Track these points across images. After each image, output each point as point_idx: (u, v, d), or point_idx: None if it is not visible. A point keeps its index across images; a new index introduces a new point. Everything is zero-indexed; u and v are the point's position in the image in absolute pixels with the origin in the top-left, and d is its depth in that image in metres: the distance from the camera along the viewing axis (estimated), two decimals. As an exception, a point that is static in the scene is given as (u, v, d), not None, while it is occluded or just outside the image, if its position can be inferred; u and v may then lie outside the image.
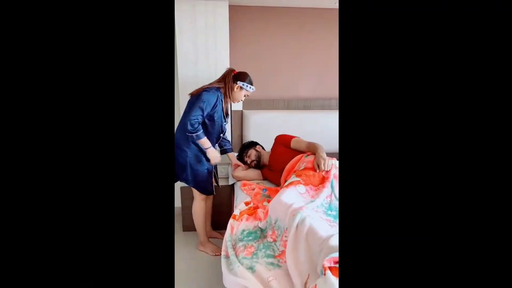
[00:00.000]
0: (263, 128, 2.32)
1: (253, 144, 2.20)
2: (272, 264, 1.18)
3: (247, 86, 1.80)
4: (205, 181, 1.88)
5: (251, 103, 2.42)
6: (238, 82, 1.79)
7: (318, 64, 2.46)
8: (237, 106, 2.40)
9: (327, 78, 2.49)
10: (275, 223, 1.36)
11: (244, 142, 2.31)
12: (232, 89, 1.81)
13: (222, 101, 1.79)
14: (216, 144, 1.94)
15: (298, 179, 1.54)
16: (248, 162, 2.13)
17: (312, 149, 1.79)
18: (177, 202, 2.39)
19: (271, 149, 2.08)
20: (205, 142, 1.73)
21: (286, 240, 1.21)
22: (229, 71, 1.83)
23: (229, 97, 1.83)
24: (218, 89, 1.77)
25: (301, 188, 1.49)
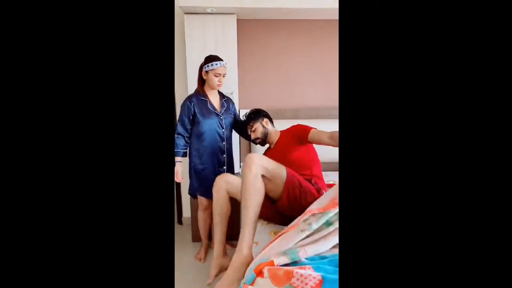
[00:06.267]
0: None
1: (259, 114, 1.82)
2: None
3: (209, 65, 1.73)
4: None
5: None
6: (203, 68, 1.77)
7: (326, 73, 2.48)
8: (245, 116, 2.42)
9: (335, 87, 2.49)
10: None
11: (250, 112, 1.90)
12: (201, 78, 1.80)
13: (194, 102, 1.77)
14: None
15: None
16: (253, 137, 1.82)
17: (336, 142, 1.45)
18: (187, 213, 2.40)
19: (279, 138, 1.78)
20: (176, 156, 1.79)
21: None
22: (200, 66, 1.81)
23: (208, 87, 1.81)
24: (192, 95, 1.82)
25: None
